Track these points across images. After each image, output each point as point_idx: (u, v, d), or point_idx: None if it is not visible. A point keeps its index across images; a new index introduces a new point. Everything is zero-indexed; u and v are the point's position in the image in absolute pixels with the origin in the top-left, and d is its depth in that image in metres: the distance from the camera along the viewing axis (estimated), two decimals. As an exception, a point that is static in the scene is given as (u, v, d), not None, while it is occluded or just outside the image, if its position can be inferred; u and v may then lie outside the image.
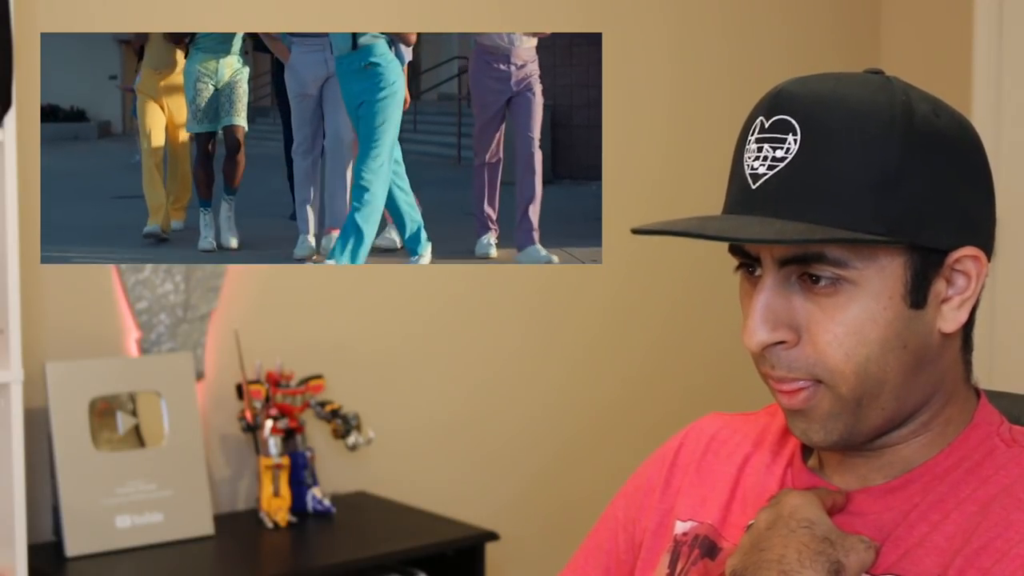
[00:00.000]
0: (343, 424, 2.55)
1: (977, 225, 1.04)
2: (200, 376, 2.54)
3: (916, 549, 1.01)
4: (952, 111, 1.04)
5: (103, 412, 2.36)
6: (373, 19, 2.75)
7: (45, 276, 2.37)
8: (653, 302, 3.27)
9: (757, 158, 1.02)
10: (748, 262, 1.05)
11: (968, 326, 1.08)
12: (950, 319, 1.03)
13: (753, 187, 1.02)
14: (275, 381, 2.52)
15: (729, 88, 3.33)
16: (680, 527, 1.18)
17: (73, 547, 2.26)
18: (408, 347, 2.87)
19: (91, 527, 2.29)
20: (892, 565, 1.01)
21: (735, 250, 1.06)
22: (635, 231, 1.04)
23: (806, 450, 1.15)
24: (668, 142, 3.27)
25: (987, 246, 1.05)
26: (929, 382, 1.05)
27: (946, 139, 1.02)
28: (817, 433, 1.04)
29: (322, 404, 2.57)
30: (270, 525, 2.46)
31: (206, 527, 2.40)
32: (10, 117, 1.99)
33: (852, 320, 1.00)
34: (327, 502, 2.54)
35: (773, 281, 1.02)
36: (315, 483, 2.54)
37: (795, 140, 1.00)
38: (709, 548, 1.14)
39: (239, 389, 2.51)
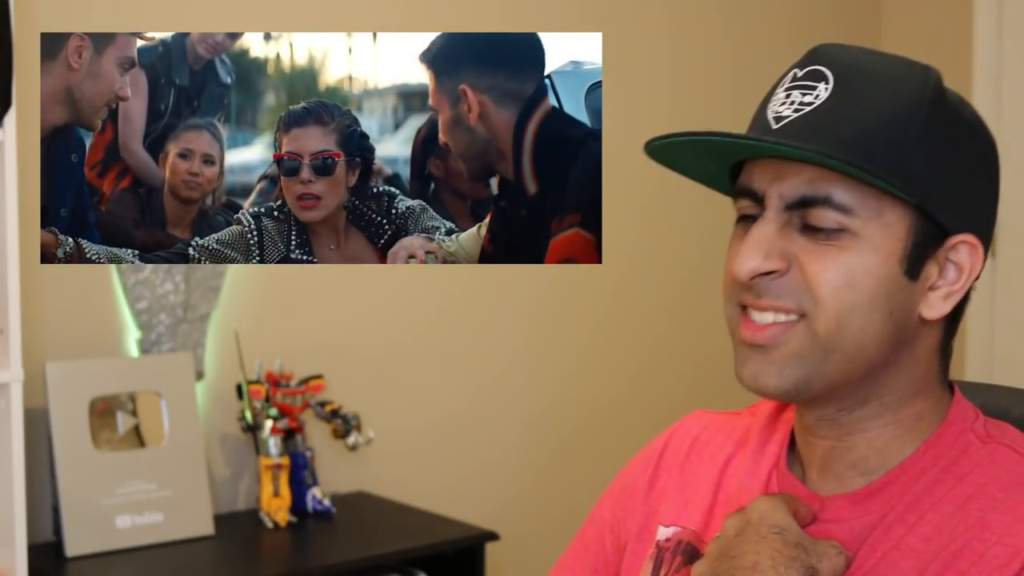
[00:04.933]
0: (343, 424, 2.55)
1: (981, 218, 1.04)
2: (200, 376, 2.54)
3: (893, 552, 1.00)
4: (977, 112, 1.05)
5: (103, 412, 2.36)
6: (372, 19, 2.75)
7: (45, 276, 2.37)
8: (652, 302, 3.26)
9: (784, 103, 1.02)
10: (752, 211, 1.04)
11: (950, 331, 1.07)
12: (934, 307, 1.03)
13: (774, 127, 1.01)
14: (275, 381, 2.52)
15: (730, 89, 3.32)
16: (663, 532, 1.17)
17: (73, 547, 2.26)
18: (408, 347, 2.87)
19: (91, 527, 2.29)
20: (870, 570, 1.00)
21: (742, 192, 1.05)
22: (648, 143, 1.06)
23: (791, 453, 1.13)
24: (668, 142, 3.26)
25: (986, 242, 1.05)
26: (897, 363, 1.03)
27: (969, 127, 1.03)
28: (770, 377, 1.01)
29: (322, 404, 2.56)
30: (270, 525, 2.46)
31: (206, 527, 2.40)
32: (10, 117, 1.99)
33: (846, 264, 0.99)
34: (327, 502, 2.53)
35: (774, 218, 1.02)
36: (315, 483, 2.54)
37: (826, 88, 1.00)
38: (692, 555, 1.13)
39: (239, 389, 2.51)
